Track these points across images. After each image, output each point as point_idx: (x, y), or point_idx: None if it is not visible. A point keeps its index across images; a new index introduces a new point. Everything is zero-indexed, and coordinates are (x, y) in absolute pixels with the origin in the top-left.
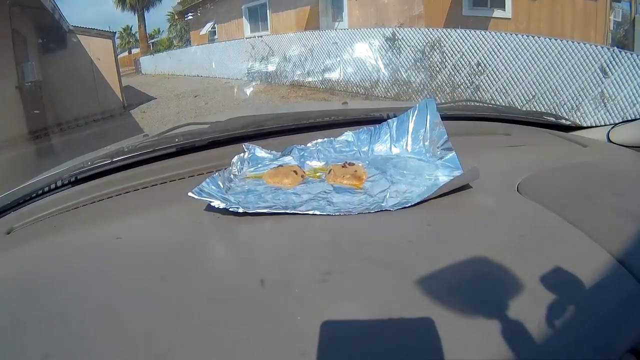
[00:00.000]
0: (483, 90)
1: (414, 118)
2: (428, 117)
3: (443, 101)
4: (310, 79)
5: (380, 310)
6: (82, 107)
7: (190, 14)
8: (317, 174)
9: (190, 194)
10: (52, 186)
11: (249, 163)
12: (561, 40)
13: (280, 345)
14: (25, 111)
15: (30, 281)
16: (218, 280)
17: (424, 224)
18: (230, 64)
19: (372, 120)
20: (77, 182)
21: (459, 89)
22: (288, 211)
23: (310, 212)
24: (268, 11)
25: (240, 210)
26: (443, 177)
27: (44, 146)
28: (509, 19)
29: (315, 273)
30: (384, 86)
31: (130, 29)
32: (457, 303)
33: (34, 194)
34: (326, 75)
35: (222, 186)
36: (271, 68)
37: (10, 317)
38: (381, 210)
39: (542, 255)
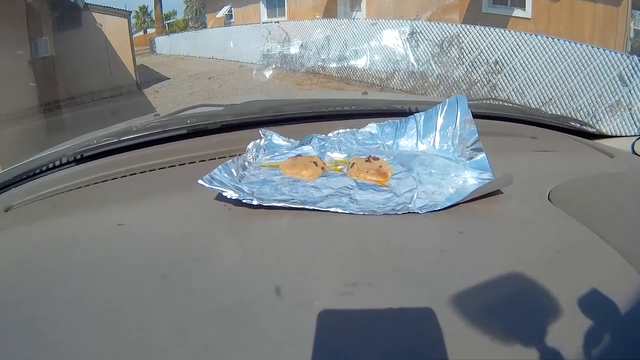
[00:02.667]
0: (499, 89)
1: (443, 114)
2: (458, 113)
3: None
4: (325, 67)
5: (414, 330)
6: (95, 84)
7: None
8: (339, 167)
9: (200, 181)
10: (56, 163)
11: (265, 150)
12: (581, 45)
13: None
14: (37, 86)
15: (23, 265)
16: (227, 285)
17: (456, 231)
18: (245, 48)
19: (394, 112)
20: (82, 160)
21: (476, 86)
22: (307, 207)
23: (332, 210)
24: None
25: (255, 203)
26: (472, 180)
27: (54, 121)
28: (529, 19)
29: (339, 283)
30: (399, 78)
31: (146, 8)
32: (493, 322)
33: (36, 171)
34: (342, 65)
35: (235, 174)
36: (287, 54)
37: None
38: (408, 213)
39: (577, 273)
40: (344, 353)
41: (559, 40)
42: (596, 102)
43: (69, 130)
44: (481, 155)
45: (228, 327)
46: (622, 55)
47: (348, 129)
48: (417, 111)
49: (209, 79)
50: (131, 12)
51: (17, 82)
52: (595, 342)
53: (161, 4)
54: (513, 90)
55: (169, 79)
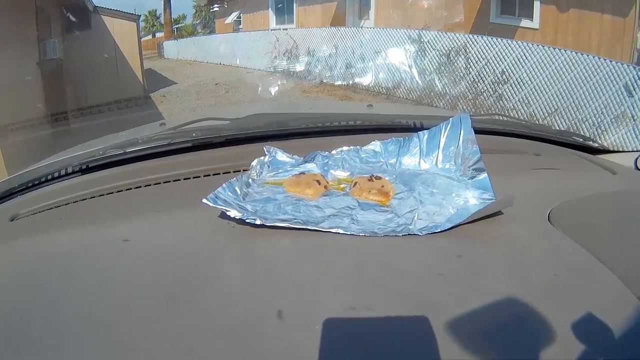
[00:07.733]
0: (505, 99)
1: (446, 133)
2: (462, 133)
3: (471, 113)
4: (332, 75)
5: (411, 353)
6: (103, 87)
7: (216, 5)
8: (342, 186)
9: (204, 200)
10: (62, 172)
11: (269, 167)
12: (587, 55)
13: None
14: (44, 87)
15: (29, 278)
16: (231, 306)
17: (455, 255)
18: (253, 55)
19: (399, 127)
20: (88, 170)
21: (482, 96)
22: (309, 227)
23: (333, 231)
24: (294, 4)
25: (258, 222)
26: (473, 200)
27: (61, 123)
28: (536, 29)
29: (339, 307)
30: (406, 88)
31: (156, 12)
32: (488, 347)
33: (42, 179)
34: (349, 73)
35: (239, 192)
36: (294, 61)
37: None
38: (408, 234)
39: (574, 299)
40: None
41: (565, 51)
42: (602, 113)
43: (75, 132)
44: (483, 175)
45: (233, 347)
46: (628, 66)
47: (352, 147)
48: (422, 126)
49: (216, 84)
50: (140, 16)
51: (25, 83)
52: None
53: (170, 8)
54: (519, 100)
55: (176, 83)
